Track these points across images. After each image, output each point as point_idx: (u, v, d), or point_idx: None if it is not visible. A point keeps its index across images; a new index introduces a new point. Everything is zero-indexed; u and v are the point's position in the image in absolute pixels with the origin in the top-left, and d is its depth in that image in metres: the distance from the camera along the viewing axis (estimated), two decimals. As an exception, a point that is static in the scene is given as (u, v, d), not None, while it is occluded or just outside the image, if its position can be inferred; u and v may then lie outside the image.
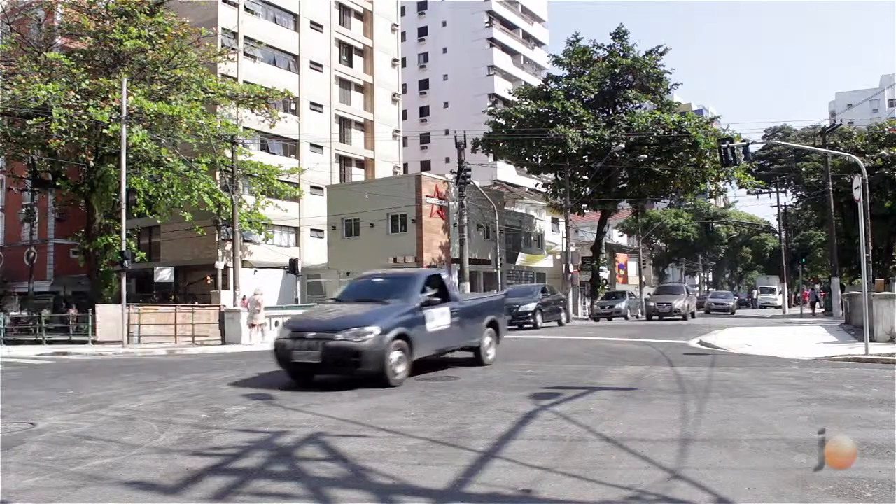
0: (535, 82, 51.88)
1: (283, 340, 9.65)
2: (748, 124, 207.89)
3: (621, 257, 57.20)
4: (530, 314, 25.06)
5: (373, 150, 48.53)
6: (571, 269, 38.40)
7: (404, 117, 55.45)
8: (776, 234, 63.81)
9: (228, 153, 29.42)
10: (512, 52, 66.94)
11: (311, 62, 44.36)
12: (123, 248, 22.18)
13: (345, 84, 47.61)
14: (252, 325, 20.76)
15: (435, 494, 4.42)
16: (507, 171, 57.61)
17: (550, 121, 37.25)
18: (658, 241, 68.98)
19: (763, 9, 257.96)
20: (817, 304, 45.01)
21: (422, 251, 34.49)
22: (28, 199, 37.34)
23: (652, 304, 32.76)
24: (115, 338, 21.21)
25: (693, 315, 33.22)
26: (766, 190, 53.62)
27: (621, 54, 39.66)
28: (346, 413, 7.36)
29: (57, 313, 29.49)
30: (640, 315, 35.72)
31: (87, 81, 25.91)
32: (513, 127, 38.80)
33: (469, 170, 31.56)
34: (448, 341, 10.84)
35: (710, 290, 72.53)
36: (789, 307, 49.44)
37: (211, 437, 6.28)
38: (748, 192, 49.49)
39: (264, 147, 40.12)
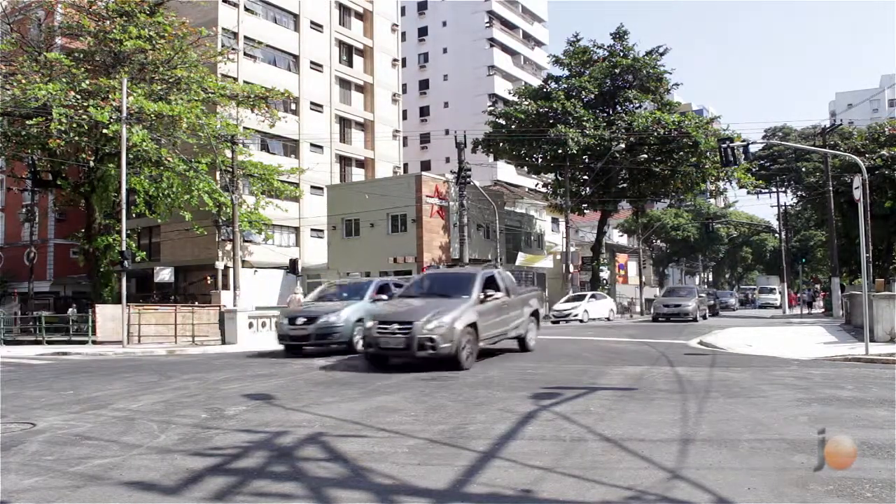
0: (535, 82, 51.88)
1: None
2: (748, 124, 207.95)
3: (621, 257, 57.19)
4: None
5: (373, 150, 48.52)
6: (571, 269, 38.37)
7: (404, 117, 55.46)
8: (776, 234, 63.78)
9: (228, 153, 29.42)
10: (512, 52, 66.92)
11: (311, 62, 44.37)
12: (123, 248, 22.19)
13: (345, 84, 47.62)
14: None
15: (435, 494, 4.41)
16: (507, 171, 57.61)
17: (550, 121, 37.27)
18: (658, 241, 68.93)
19: (763, 9, 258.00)
20: (814, 304, 45.17)
21: (422, 251, 34.47)
22: (28, 199, 37.29)
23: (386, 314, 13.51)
24: (115, 338, 21.23)
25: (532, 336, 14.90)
26: (766, 190, 53.54)
27: (621, 54, 39.66)
28: (346, 413, 7.36)
29: (58, 313, 29.52)
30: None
31: (87, 81, 25.92)
32: (513, 127, 38.79)
33: (469, 170, 31.59)
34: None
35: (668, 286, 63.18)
36: (788, 307, 49.46)
37: (211, 437, 6.28)
38: (748, 192, 49.44)
39: (264, 147, 40.13)
